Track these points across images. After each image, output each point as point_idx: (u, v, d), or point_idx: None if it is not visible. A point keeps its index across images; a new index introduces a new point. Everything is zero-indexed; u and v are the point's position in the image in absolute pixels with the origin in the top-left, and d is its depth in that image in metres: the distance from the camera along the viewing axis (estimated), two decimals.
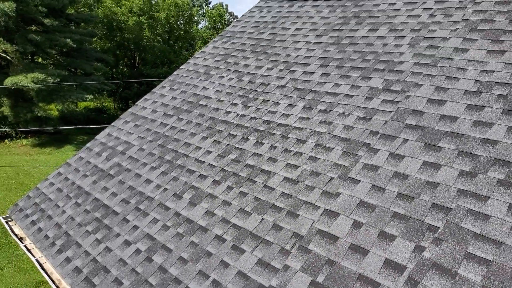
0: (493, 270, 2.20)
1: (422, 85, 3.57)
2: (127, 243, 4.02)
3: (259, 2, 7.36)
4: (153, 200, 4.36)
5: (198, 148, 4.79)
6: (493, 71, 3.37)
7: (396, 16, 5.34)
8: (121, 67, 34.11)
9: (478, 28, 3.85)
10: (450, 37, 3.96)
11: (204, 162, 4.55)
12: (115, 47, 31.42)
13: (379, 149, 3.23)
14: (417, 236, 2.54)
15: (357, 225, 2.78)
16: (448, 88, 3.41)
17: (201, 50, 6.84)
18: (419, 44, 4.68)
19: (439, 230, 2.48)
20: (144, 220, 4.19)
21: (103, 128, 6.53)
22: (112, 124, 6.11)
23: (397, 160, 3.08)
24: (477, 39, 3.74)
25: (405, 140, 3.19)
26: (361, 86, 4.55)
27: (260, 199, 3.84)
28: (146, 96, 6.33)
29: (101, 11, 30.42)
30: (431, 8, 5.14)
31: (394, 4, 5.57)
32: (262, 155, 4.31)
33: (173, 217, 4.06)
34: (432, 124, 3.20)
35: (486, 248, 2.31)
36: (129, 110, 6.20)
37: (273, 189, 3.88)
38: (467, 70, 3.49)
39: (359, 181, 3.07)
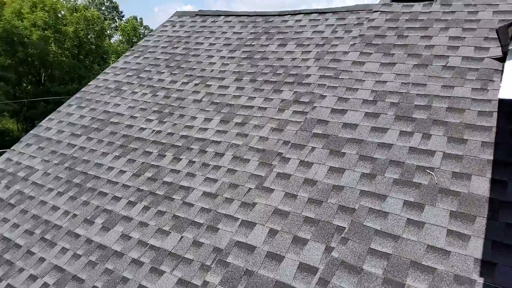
0: (393, 262, 2.41)
1: (326, 96, 3.82)
2: (33, 277, 3.65)
3: (171, 16, 7.31)
4: (61, 228, 4.02)
5: (111, 168, 4.55)
6: (386, 82, 3.74)
7: (302, 32, 5.67)
8: (25, 84, 31.16)
9: (372, 43, 4.25)
10: (349, 51, 4.31)
11: (118, 182, 4.33)
12: (17, 64, 28.66)
13: (290, 158, 3.38)
14: (327, 238, 2.69)
15: (272, 232, 2.85)
16: (349, 98, 3.70)
17: (112, 65, 6.56)
18: (324, 58, 5.03)
19: (345, 230, 2.66)
20: (51, 250, 3.84)
21: (1, 153, 5.88)
22: (12, 148, 5.54)
23: (307, 167, 3.24)
24: (372, 53, 4.12)
25: (313, 148, 3.38)
26: (273, 99, 4.73)
27: (179, 216, 3.76)
28: (50, 116, 5.86)
29: None
30: (333, 25, 5.56)
31: (300, 20, 5.92)
32: (180, 171, 4.23)
33: (84, 244, 3.78)
34: (336, 132, 3.44)
35: (386, 243, 2.53)
36: (31, 131, 5.68)
37: (192, 205, 3.82)
38: (364, 81, 3.83)
39: (273, 189, 3.17)
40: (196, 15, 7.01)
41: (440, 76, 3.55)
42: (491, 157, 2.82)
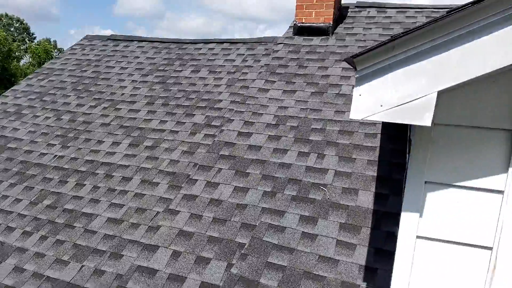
0: (287, 274, 2.55)
1: (233, 120, 3.99)
2: None
3: (81, 40, 7.08)
4: None
5: (5, 197, 4.17)
6: (287, 107, 4.02)
7: (215, 59, 5.87)
8: None
9: (276, 72, 4.56)
10: (256, 79, 4.57)
11: (12, 212, 3.97)
12: None
13: (198, 179, 3.43)
14: (229, 255, 2.76)
15: (175, 254, 2.84)
16: (254, 122, 3.91)
17: (12, 88, 6.09)
18: (234, 84, 5.24)
19: (245, 246, 2.75)
20: None
21: None
22: None
23: (213, 188, 3.31)
24: (275, 81, 4.42)
25: (220, 169, 3.47)
26: (185, 122, 4.78)
27: (80, 245, 3.56)
28: None
29: None
30: (243, 54, 5.85)
31: (213, 49, 6.13)
32: (83, 197, 4.03)
33: None
34: (241, 153, 3.59)
35: (282, 256, 2.67)
36: None
37: (95, 232, 3.65)
38: (268, 106, 4.08)
39: (179, 211, 3.18)
40: (108, 39, 6.88)
41: (333, 103, 3.92)
42: (375, 173, 3.17)
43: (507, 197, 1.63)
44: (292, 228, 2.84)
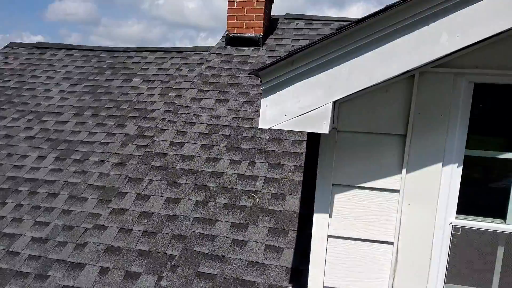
0: (217, 282, 2.59)
1: (166, 130, 3.96)
2: None
3: (4, 47, 6.62)
4: None
5: None
6: (220, 116, 4.08)
7: (148, 68, 5.79)
8: None
9: (209, 81, 4.61)
10: (189, 88, 4.58)
11: None
12: None
13: (127, 192, 3.36)
14: (159, 268, 2.74)
15: (103, 271, 2.76)
16: (187, 132, 3.91)
17: None
18: (168, 94, 5.21)
19: (176, 258, 2.75)
20: None
21: None
22: None
23: (143, 201, 3.27)
24: (208, 90, 4.46)
25: (151, 181, 3.43)
26: (116, 133, 4.65)
27: (2, 268, 3.32)
28: None
29: None
30: (178, 63, 5.83)
31: (146, 57, 6.04)
32: (4, 217, 3.77)
33: None
34: (173, 163, 3.58)
35: (213, 264, 2.71)
36: None
37: (18, 253, 3.43)
38: (201, 116, 4.11)
39: (107, 226, 3.09)
40: (34, 47, 6.51)
41: None
42: (301, 179, 3.32)
43: (402, 196, 1.81)
44: (223, 236, 2.89)
